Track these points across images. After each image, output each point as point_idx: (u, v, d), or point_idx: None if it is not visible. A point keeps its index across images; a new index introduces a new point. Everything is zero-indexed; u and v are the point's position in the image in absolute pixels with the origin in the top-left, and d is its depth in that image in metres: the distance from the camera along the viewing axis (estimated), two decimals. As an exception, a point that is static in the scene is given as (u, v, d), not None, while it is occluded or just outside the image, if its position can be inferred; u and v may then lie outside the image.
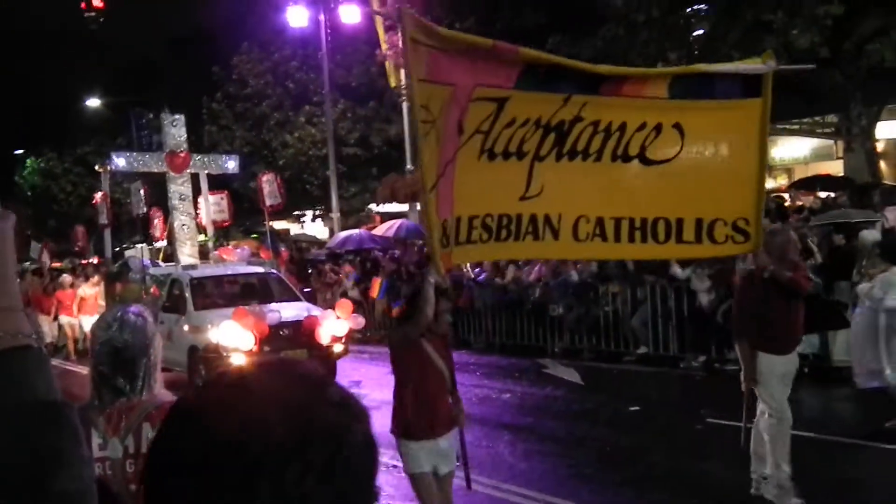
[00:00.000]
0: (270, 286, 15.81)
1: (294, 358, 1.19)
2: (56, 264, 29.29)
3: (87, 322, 18.52)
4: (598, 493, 7.91)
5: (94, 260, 27.59)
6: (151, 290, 16.33)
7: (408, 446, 5.76)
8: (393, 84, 28.29)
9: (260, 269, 16.96)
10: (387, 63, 27.46)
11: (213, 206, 18.91)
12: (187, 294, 14.75)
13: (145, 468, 1.07)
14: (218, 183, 20.28)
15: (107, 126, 45.49)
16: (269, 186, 18.58)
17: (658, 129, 5.49)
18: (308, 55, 33.41)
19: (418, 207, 31.10)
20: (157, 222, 20.19)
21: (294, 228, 39.11)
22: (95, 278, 21.34)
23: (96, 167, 21.24)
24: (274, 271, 17.01)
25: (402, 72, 27.22)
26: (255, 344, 13.09)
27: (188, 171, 17.65)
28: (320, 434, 1.03)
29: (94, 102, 46.70)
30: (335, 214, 30.20)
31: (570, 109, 5.28)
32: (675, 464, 8.99)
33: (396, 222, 26.69)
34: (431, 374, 5.72)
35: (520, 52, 5.15)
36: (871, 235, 12.18)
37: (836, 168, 22.15)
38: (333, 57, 30.82)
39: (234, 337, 13.10)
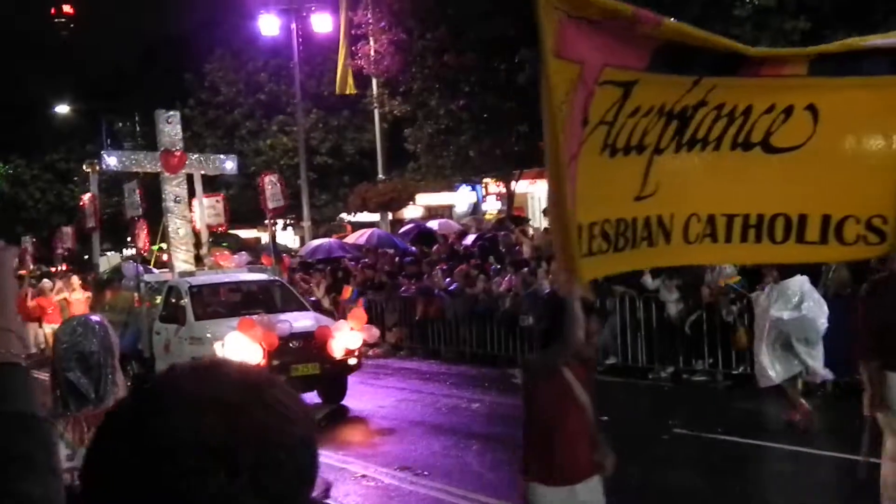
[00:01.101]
0: (275, 295, 14.95)
1: (230, 360, 1.18)
2: (22, 272, 28.99)
3: None
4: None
5: (63, 267, 27.25)
6: (135, 300, 15.52)
7: (539, 493, 4.90)
8: (348, 91, 28.36)
9: (263, 277, 15.82)
10: (343, 69, 27.49)
11: (207, 209, 17.95)
12: (187, 303, 13.82)
13: (81, 478, 1.07)
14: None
15: (77, 133, 45.14)
16: (271, 188, 17.36)
17: (788, 111, 4.78)
18: (280, 64, 33.38)
19: (389, 217, 31.18)
20: (141, 228, 19.70)
21: (264, 237, 38.98)
22: (77, 283, 20.73)
23: (84, 166, 19.96)
24: (278, 279, 16.03)
25: (374, 81, 27.34)
26: (264, 357, 12.22)
27: (184, 171, 16.85)
28: (250, 436, 1.03)
29: (63, 109, 46.34)
30: (306, 223, 30.15)
31: (697, 93, 4.66)
32: (643, 474, 9.03)
33: (367, 231, 26.72)
34: (573, 409, 4.83)
35: (663, 24, 4.48)
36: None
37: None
38: (305, 66, 30.81)
39: (240, 349, 12.15)
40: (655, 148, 4.69)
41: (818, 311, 10.43)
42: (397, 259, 21.46)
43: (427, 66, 24.96)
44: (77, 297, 20.08)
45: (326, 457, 10.07)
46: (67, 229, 25.56)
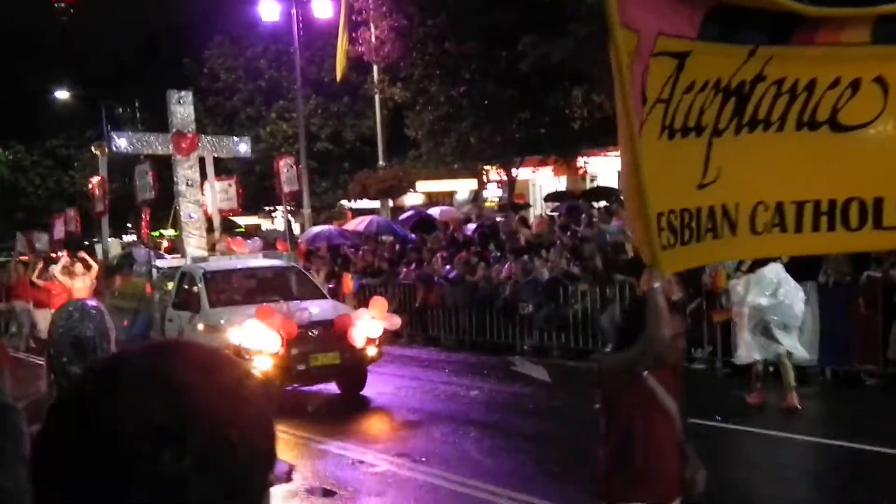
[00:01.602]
0: (292, 281, 14.45)
1: (178, 340, 1.17)
2: (23, 257, 28.92)
3: None
4: (565, 489, 7.95)
5: (63, 253, 27.11)
6: (147, 287, 14.98)
7: None
8: (341, 75, 28.26)
9: (280, 263, 15.39)
10: (342, 55, 27.40)
11: (219, 193, 17.40)
12: (201, 289, 13.39)
13: (30, 465, 1.06)
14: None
15: (77, 119, 45.06)
16: (287, 171, 16.79)
17: (855, 85, 4.36)
18: (280, 50, 33.30)
19: (390, 204, 31.16)
20: (144, 213, 18.75)
21: (265, 224, 38.96)
22: (80, 270, 20.42)
23: (92, 148, 19.51)
24: (295, 265, 15.52)
25: (375, 67, 27.27)
26: (282, 346, 11.88)
27: (196, 153, 16.24)
28: (200, 417, 1.01)
29: (63, 95, 46.24)
30: (306, 210, 30.11)
31: (753, 66, 4.28)
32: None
33: (367, 218, 26.68)
34: (657, 419, 4.28)
35: None
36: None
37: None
38: (305, 52, 30.74)
39: (258, 338, 11.83)
40: (714, 129, 4.33)
41: (795, 297, 10.62)
42: (397, 246, 21.45)
43: (428, 52, 24.90)
44: (79, 284, 19.88)
45: (324, 443, 10.09)
46: (72, 212, 24.84)
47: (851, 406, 11.20)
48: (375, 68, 27.36)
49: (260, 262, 15.44)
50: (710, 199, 4.36)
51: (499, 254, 18.02)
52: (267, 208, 37.51)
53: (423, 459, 9.23)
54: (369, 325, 12.65)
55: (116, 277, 16.76)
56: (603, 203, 22.56)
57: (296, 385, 12.53)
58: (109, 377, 1.06)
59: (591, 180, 29.92)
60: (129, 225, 36.49)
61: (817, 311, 12.11)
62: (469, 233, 21.04)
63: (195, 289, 13.56)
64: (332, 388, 13.09)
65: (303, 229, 30.08)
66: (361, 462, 9.31)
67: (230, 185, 17.90)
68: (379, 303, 13.33)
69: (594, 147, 27.10)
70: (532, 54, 21.23)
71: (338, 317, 12.68)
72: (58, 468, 1.00)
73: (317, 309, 12.81)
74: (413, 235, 22.89)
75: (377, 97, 28.23)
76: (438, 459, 9.16)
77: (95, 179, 18.46)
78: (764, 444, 9.54)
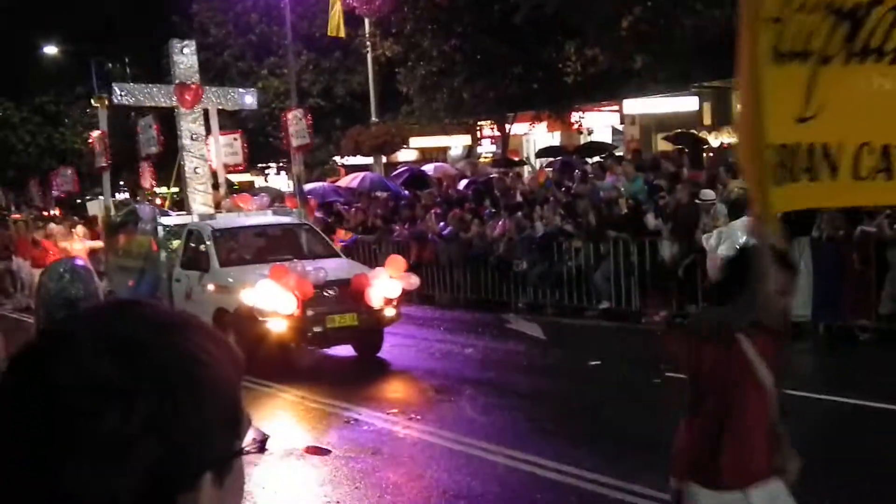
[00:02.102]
0: (304, 239, 13.88)
1: (140, 299, 1.13)
2: (15, 216, 28.72)
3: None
4: (558, 446, 7.98)
5: (56, 211, 26.90)
6: (151, 245, 14.31)
7: (700, 497, 3.81)
8: (339, 35, 27.89)
9: (291, 220, 14.66)
10: (336, 11, 27.03)
11: (224, 148, 16.59)
12: (210, 248, 12.89)
13: None
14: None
15: (66, 75, 44.61)
16: (296, 124, 15.62)
17: None
18: (270, 5, 32.91)
19: (383, 160, 31.01)
20: (146, 169, 17.71)
21: (258, 181, 38.79)
22: (80, 231, 19.47)
23: (92, 101, 18.29)
24: (306, 222, 14.84)
25: (366, 22, 26.96)
26: (297, 307, 11.45)
27: (200, 106, 15.48)
28: (151, 377, 0.98)
29: (51, 51, 45.71)
30: (299, 166, 29.94)
31: None
32: (635, 418, 9.09)
33: (360, 174, 26.56)
34: (750, 392, 3.76)
35: None
36: None
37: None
38: (296, 7, 30.36)
39: (272, 298, 11.39)
40: (821, 56, 3.87)
41: None
42: (391, 203, 21.37)
43: (419, 6, 24.61)
44: (78, 247, 18.58)
45: (317, 402, 10.11)
46: (69, 170, 24.21)
47: (845, 361, 11.25)
48: (367, 22, 27.06)
49: (271, 219, 14.85)
50: (809, 135, 3.92)
51: (493, 210, 17.96)
52: (260, 165, 37.32)
53: (418, 417, 9.26)
54: (387, 284, 12.17)
55: (120, 236, 15.89)
56: (597, 158, 22.48)
57: (311, 347, 12.31)
58: (62, 334, 1.03)
59: (589, 134, 29.77)
60: (121, 182, 36.24)
61: (811, 267, 12.12)
62: (463, 189, 20.97)
63: (204, 247, 13.08)
64: (342, 350, 13.03)
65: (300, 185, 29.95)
66: (356, 420, 9.34)
67: (235, 139, 17.18)
68: (396, 261, 12.83)
69: (588, 102, 26.96)
70: (525, 6, 21.00)
71: (354, 276, 12.19)
72: (4, 426, 0.98)
73: (332, 268, 12.31)
74: (406, 192, 22.80)
75: (369, 53, 27.95)
76: (433, 417, 9.19)
77: (96, 133, 17.61)
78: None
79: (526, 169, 25.96)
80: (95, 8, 43.32)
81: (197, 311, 11.37)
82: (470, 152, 33.50)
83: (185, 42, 15.86)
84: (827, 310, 12.06)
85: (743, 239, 10.80)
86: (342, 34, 28.00)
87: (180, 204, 17.44)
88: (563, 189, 17.65)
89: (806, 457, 7.21)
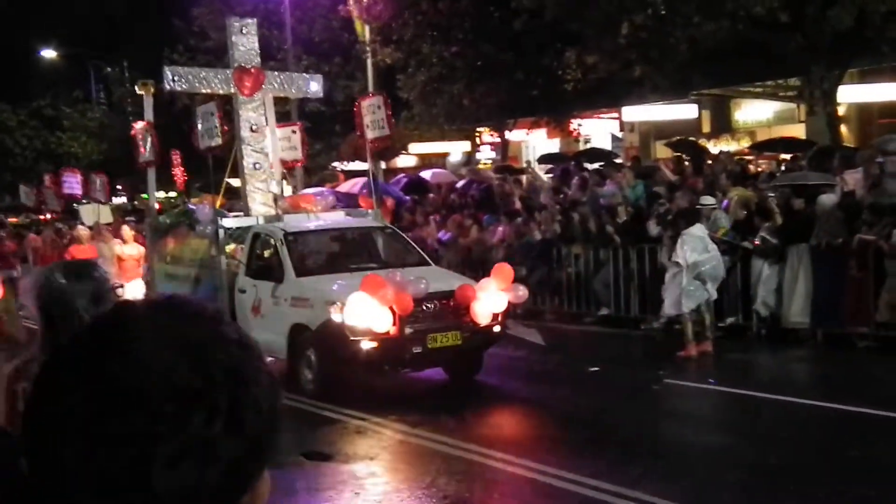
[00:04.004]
0: (389, 244, 12.41)
1: (182, 295, 1.10)
2: (13, 219, 28.59)
3: (136, 289, 14.39)
4: (558, 452, 7.99)
5: (50, 215, 26.61)
6: (209, 250, 12.62)
7: None
8: (361, 37, 27.83)
9: (372, 223, 13.01)
10: (354, 17, 27.04)
11: (281, 141, 14.67)
12: (284, 254, 11.25)
13: (23, 428, 0.99)
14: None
15: (63, 79, 44.62)
16: (372, 113, 13.45)
17: None
18: (270, 10, 32.94)
19: (383, 166, 30.98)
20: (177, 161, 16.54)
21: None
22: (130, 234, 17.13)
23: (136, 88, 15.99)
24: (389, 225, 13.54)
25: (367, 28, 27.00)
26: (394, 324, 9.95)
27: (261, 93, 13.82)
28: (223, 374, 0.97)
29: (49, 54, 45.73)
30: (298, 172, 29.95)
31: None
32: (634, 424, 9.11)
33: (360, 180, 26.53)
34: None
35: None
36: (829, 200, 12.35)
37: (798, 131, 22.31)
38: (296, 11, 30.44)
39: (366, 315, 9.85)
40: None
41: (719, 254, 11.92)
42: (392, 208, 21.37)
43: (420, 12, 24.66)
44: (130, 251, 16.38)
45: (314, 406, 10.10)
46: (101, 177, 22.27)
47: (843, 368, 11.29)
48: (367, 29, 27.09)
49: (348, 221, 13.17)
50: None
51: (493, 216, 17.98)
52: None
53: (418, 423, 9.25)
54: (494, 297, 10.67)
55: (168, 239, 14.04)
56: (596, 165, 22.51)
57: (406, 371, 10.97)
58: (117, 332, 1.00)
59: (585, 142, 29.84)
60: (118, 187, 36.22)
61: (809, 274, 12.17)
62: (462, 194, 20.98)
63: (277, 254, 11.48)
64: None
65: (295, 191, 29.95)
66: (356, 426, 9.34)
67: (294, 131, 15.33)
68: (503, 270, 11.15)
69: (588, 109, 27.00)
70: (525, 12, 21.04)
71: (458, 287, 10.62)
72: (59, 432, 0.95)
73: (432, 279, 10.67)
74: (407, 197, 22.81)
75: (369, 59, 27.98)
76: (432, 423, 9.18)
77: (140, 125, 15.41)
78: (755, 406, 9.61)
79: (525, 177, 25.99)
80: (94, 11, 43.37)
81: (268, 326, 10.82)
82: (469, 158, 33.50)
83: (245, 21, 14.31)
84: (825, 317, 12.10)
85: (703, 242, 11.63)
86: (363, 38, 27.88)
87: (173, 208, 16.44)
88: (563, 195, 17.68)
89: (804, 463, 7.25)
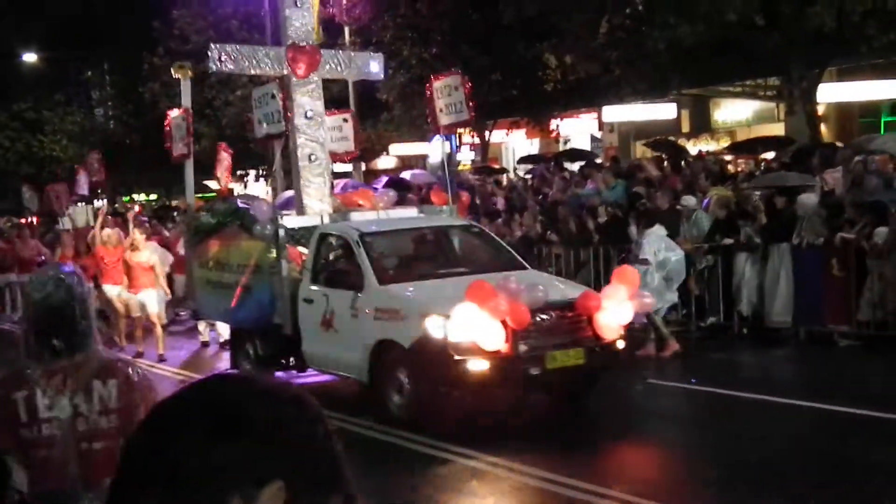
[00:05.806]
0: (477, 246, 10.91)
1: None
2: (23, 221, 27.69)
3: (150, 298, 13.87)
4: (541, 453, 7.93)
5: (34, 220, 26.26)
6: (268, 254, 10.79)
7: None
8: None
9: (452, 220, 11.36)
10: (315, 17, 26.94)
11: (332, 131, 12.88)
12: (363, 259, 9.58)
13: (117, 477, 1.13)
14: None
15: (44, 82, 44.35)
16: (448, 95, 11.88)
17: None
18: (250, 12, 32.85)
19: (363, 167, 30.92)
20: (224, 160, 14.85)
21: (237, 188, 38.64)
22: (142, 239, 14.38)
23: (172, 71, 14.07)
24: (475, 224, 12.12)
25: (346, 30, 26.91)
26: (507, 340, 8.35)
27: (316, 74, 12.02)
28: (275, 456, 1.14)
29: (30, 57, 45.43)
30: (278, 173, 29.86)
31: None
32: (617, 424, 9.08)
33: (341, 181, 26.43)
34: None
35: None
36: (809, 199, 12.37)
37: (777, 130, 22.39)
38: (276, 14, 30.31)
39: (473, 329, 8.28)
40: None
41: (682, 253, 12.16)
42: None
43: (399, 14, 24.62)
44: (140, 259, 14.08)
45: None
46: (83, 173, 20.50)
47: (824, 367, 11.30)
48: (347, 30, 27.04)
49: (427, 220, 11.48)
50: None
51: (474, 216, 17.92)
52: (239, 172, 37.14)
53: (405, 425, 9.16)
54: (621, 307, 9.04)
55: (210, 242, 12.04)
56: (577, 165, 22.54)
57: (520, 395, 9.52)
58: (175, 417, 1.15)
59: (565, 143, 29.87)
60: (99, 191, 35.92)
61: (791, 273, 12.18)
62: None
63: (352, 258, 9.85)
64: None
65: (275, 193, 29.84)
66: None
67: (345, 119, 13.68)
68: (629, 275, 9.49)
69: (567, 109, 27.04)
70: (508, 7, 21.01)
71: (580, 296, 9.01)
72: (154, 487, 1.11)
73: (549, 286, 9.18)
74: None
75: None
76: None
77: (174, 113, 13.35)
78: (737, 405, 9.59)
79: (506, 176, 25.99)
80: (74, 14, 43.14)
81: (343, 342, 9.53)
82: (449, 159, 33.46)
83: None
84: (807, 316, 12.11)
85: (664, 242, 11.89)
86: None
87: (164, 210, 15.64)
88: (542, 196, 17.66)
89: (786, 461, 7.24)
